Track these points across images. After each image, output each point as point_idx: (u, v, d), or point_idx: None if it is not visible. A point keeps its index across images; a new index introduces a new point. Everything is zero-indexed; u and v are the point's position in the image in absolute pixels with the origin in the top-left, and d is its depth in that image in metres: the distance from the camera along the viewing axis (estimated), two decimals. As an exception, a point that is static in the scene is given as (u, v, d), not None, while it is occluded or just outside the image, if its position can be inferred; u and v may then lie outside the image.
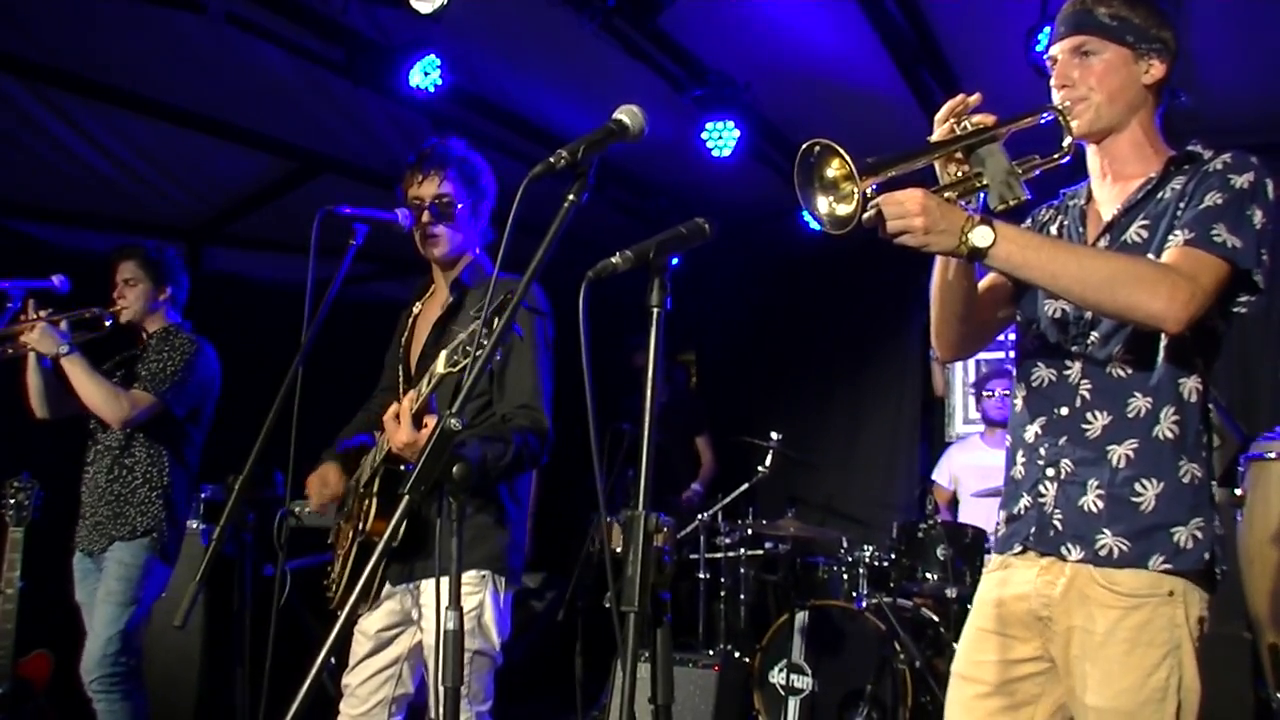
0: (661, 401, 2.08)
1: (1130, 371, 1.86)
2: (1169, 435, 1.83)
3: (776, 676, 4.43)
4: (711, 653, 4.62)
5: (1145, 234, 1.87)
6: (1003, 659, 1.93)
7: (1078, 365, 1.92)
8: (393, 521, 1.65)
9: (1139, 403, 1.85)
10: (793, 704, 4.35)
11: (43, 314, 3.49)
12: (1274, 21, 3.88)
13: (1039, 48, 3.67)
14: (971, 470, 5.07)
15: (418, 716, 2.71)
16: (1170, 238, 1.81)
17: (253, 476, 2.33)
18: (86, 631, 3.48)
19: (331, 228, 2.55)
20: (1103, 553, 1.82)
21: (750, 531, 5.01)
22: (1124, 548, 1.81)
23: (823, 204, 1.72)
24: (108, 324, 3.69)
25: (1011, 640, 1.93)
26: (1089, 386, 1.90)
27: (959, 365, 6.14)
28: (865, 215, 1.68)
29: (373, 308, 4.42)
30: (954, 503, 5.27)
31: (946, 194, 1.78)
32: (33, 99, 4.30)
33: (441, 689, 1.77)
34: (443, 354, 2.06)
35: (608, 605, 1.57)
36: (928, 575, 4.42)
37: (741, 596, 5.12)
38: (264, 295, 6.26)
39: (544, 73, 4.51)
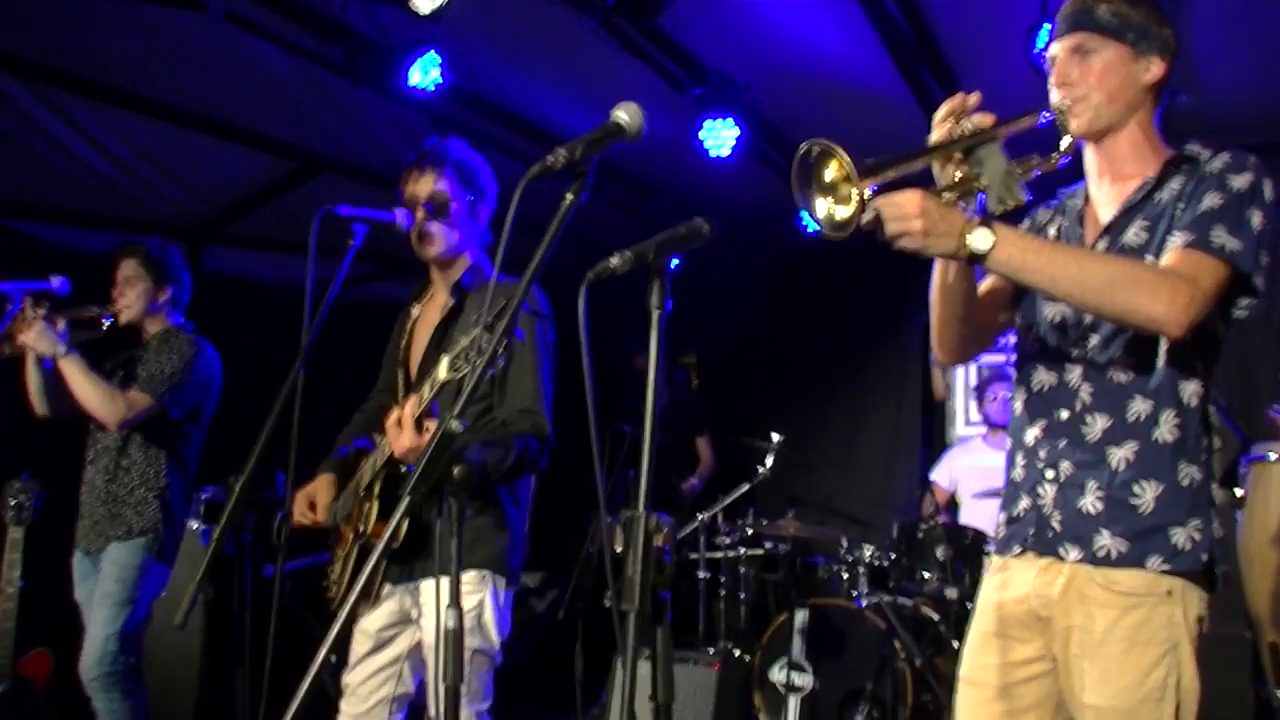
0: (662, 403, 2.08)
1: (1130, 375, 1.86)
2: (1169, 438, 1.83)
3: (777, 675, 4.43)
4: (712, 651, 4.62)
5: (1144, 235, 1.87)
6: (1003, 662, 1.93)
7: (1077, 369, 1.91)
8: (393, 520, 1.66)
9: (1139, 406, 1.84)
10: (793, 703, 4.35)
11: (40, 313, 3.49)
12: (1274, 21, 3.87)
13: (1038, 47, 3.67)
14: (973, 472, 5.08)
15: (418, 716, 2.71)
16: (1169, 240, 1.81)
17: (253, 477, 2.32)
18: (85, 630, 3.49)
19: (331, 228, 2.54)
20: (1101, 553, 1.82)
21: (750, 531, 5.01)
22: (1122, 548, 1.81)
23: (821, 206, 1.71)
24: (106, 324, 3.68)
25: (1012, 642, 1.93)
26: (1089, 390, 1.89)
27: (960, 369, 6.14)
28: (864, 218, 1.68)
29: (373, 308, 4.42)
30: (952, 503, 5.27)
31: (945, 195, 1.78)
32: (33, 99, 4.30)
33: (441, 688, 1.77)
34: (445, 360, 2.06)
35: (608, 605, 1.57)
36: (928, 575, 4.42)
37: (741, 596, 5.12)
38: (264, 295, 6.26)
39: (544, 72, 4.51)
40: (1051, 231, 2.07)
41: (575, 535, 5.40)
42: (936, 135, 1.83)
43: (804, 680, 4.36)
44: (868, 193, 1.66)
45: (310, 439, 2.63)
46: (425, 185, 2.69)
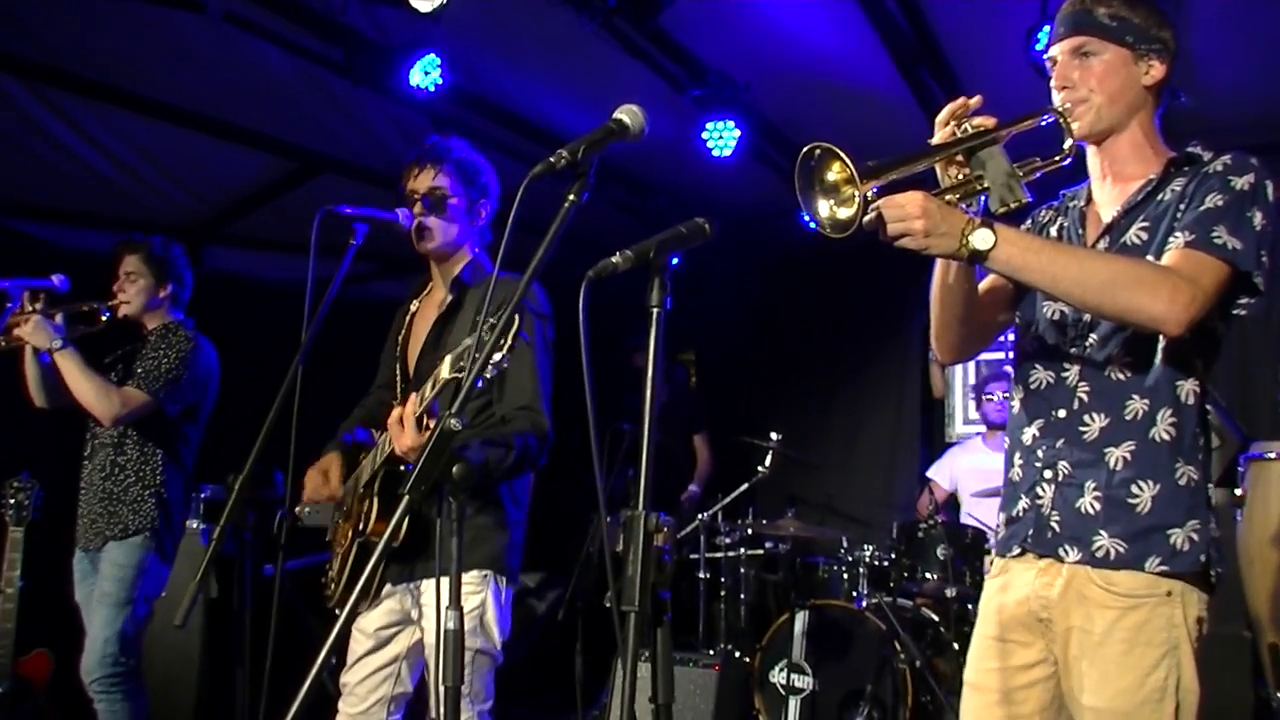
0: (662, 401, 2.08)
1: (1128, 374, 1.86)
2: (1166, 437, 1.83)
3: (777, 676, 4.43)
4: (712, 652, 4.62)
5: (1145, 236, 1.87)
6: (1004, 666, 1.94)
7: (1076, 367, 1.92)
8: (393, 520, 1.66)
9: (1136, 405, 1.85)
10: (793, 704, 4.35)
11: (37, 306, 3.49)
12: (1274, 21, 3.87)
13: (1039, 47, 3.67)
14: (972, 473, 5.08)
15: (418, 716, 2.71)
16: (1170, 239, 1.81)
17: (253, 476, 2.33)
18: (85, 631, 3.49)
19: (331, 227, 2.54)
20: (1099, 554, 1.82)
21: (750, 531, 5.01)
22: (1121, 549, 1.81)
23: (823, 207, 1.72)
24: (104, 318, 3.67)
25: (1013, 646, 1.94)
26: (1087, 389, 1.90)
27: (959, 367, 6.14)
28: (866, 218, 1.68)
29: (373, 308, 4.42)
30: (951, 503, 5.27)
31: (947, 197, 1.78)
32: (33, 99, 4.30)
33: (442, 689, 1.77)
34: (448, 359, 2.06)
35: (608, 605, 1.57)
36: (928, 575, 4.43)
37: (741, 596, 5.12)
38: (264, 295, 6.26)
39: (544, 73, 4.51)
40: (1053, 231, 2.07)
41: (575, 535, 5.39)
42: (938, 137, 1.84)
43: (804, 681, 4.36)
44: (870, 194, 1.66)
45: (310, 438, 2.63)
46: (424, 181, 2.71)
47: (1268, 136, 4.35)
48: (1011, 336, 2.11)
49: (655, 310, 1.66)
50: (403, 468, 2.44)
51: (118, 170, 4.95)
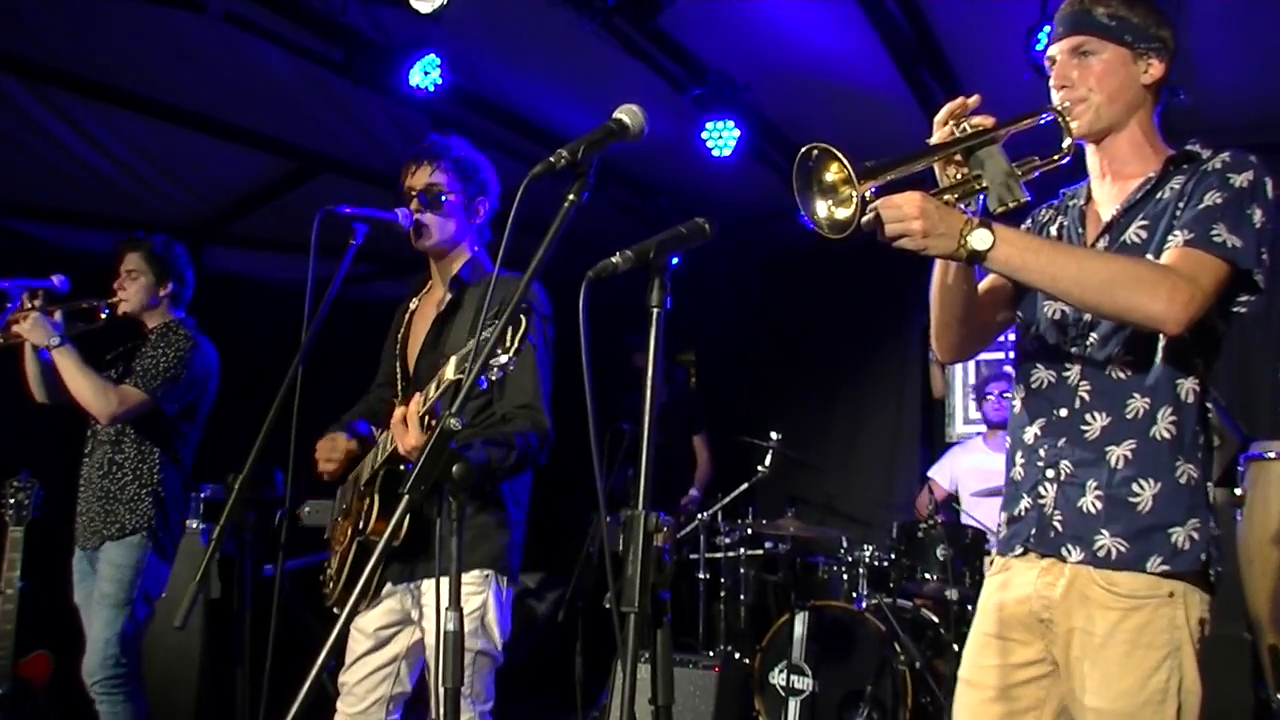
0: (661, 401, 2.08)
1: (1129, 373, 1.86)
2: (1166, 435, 1.83)
3: (777, 677, 4.43)
4: (711, 653, 4.62)
5: (1144, 234, 1.87)
6: (1003, 663, 1.93)
7: (1077, 367, 1.92)
8: (393, 520, 1.65)
9: (1137, 403, 1.85)
10: (793, 705, 4.35)
11: (36, 303, 3.49)
12: (1274, 21, 3.87)
13: (1039, 47, 3.67)
14: (973, 473, 5.08)
15: (418, 716, 2.71)
16: (1170, 238, 1.81)
17: (253, 475, 2.32)
18: (85, 632, 3.48)
19: (331, 227, 2.55)
20: (1101, 553, 1.82)
21: (750, 531, 5.01)
22: (1122, 548, 1.81)
23: (821, 208, 1.72)
24: (104, 316, 3.67)
25: (1012, 644, 1.93)
26: (1088, 388, 1.90)
27: (959, 367, 6.14)
28: (864, 219, 1.68)
29: (373, 308, 4.41)
30: (950, 502, 5.27)
31: (946, 196, 1.78)
32: (33, 99, 4.30)
33: (442, 689, 1.77)
34: (453, 360, 2.06)
35: (608, 605, 1.57)
36: (928, 575, 4.42)
37: (741, 596, 5.12)
38: (264, 295, 6.26)
39: (544, 73, 4.51)
40: (1053, 230, 2.08)
41: (575, 535, 5.39)
42: (937, 137, 1.84)
43: (804, 682, 4.36)
44: (868, 194, 1.66)
45: (310, 438, 2.63)
46: (421, 177, 2.72)
47: (1267, 136, 4.35)
48: (1012, 336, 2.12)
49: (655, 310, 1.66)
50: (403, 467, 2.44)
51: (118, 170, 4.95)
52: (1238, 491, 3.72)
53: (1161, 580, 1.79)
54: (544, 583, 5.72)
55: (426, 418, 2.26)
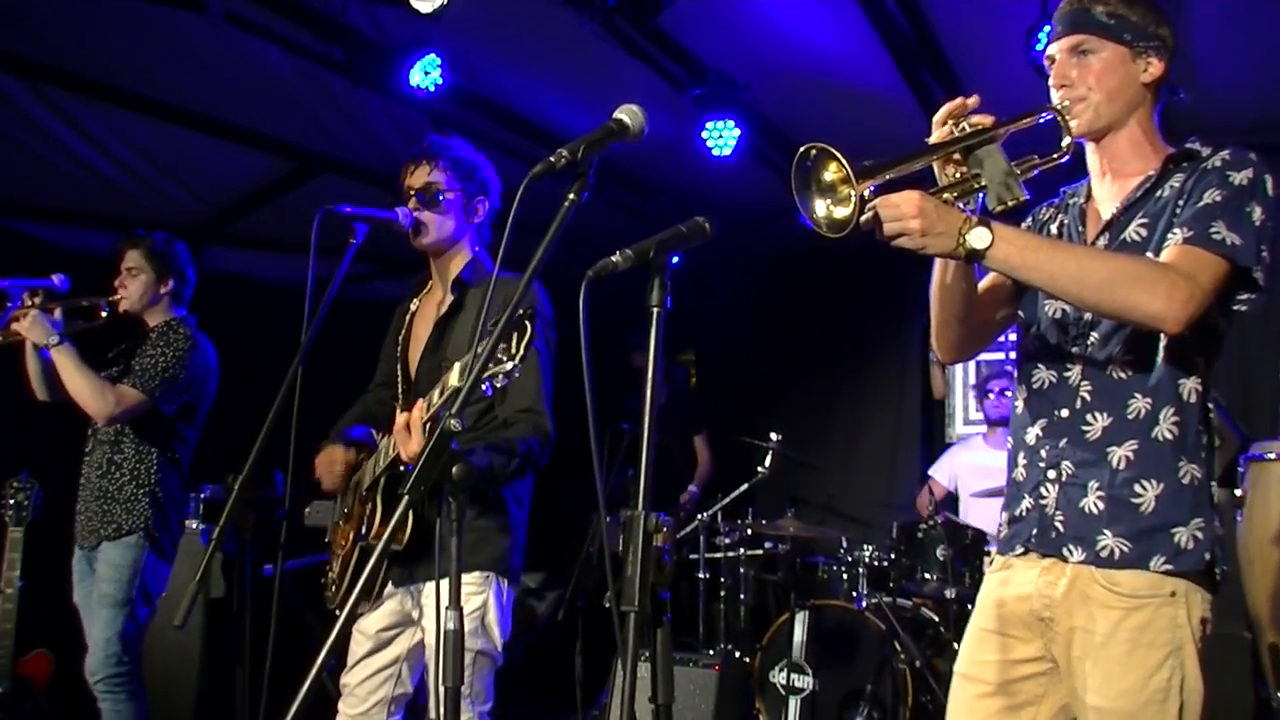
0: (661, 401, 2.08)
1: (1130, 372, 1.86)
2: (1168, 436, 1.82)
3: (777, 676, 4.43)
4: (711, 652, 4.62)
5: (1144, 232, 1.87)
6: (1003, 659, 1.93)
7: (1078, 367, 1.92)
8: (393, 521, 1.65)
9: (1139, 404, 1.84)
10: (793, 704, 4.35)
11: (36, 302, 3.48)
12: (1274, 21, 3.87)
13: (1039, 47, 3.67)
14: (973, 471, 5.08)
15: (418, 716, 2.71)
16: (1169, 236, 1.81)
17: (252, 476, 2.32)
18: (84, 632, 3.48)
19: (331, 227, 2.55)
20: (1103, 554, 1.82)
21: (750, 531, 5.01)
22: (1124, 548, 1.81)
23: (820, 207, 1.72)
24: (104, 314, 3.66)
25: (1012, 640, 1.93)
26: (1089, 388, 1.89)
27: (959, 366, 6.14)
28: (862, 218, 1.68)
29: (373, 307, 4.41)
30: (949, 501, 5.27)
31: (945, 195, 1.78)
32: (33, 99, 4.30)
33: (442, 689, 1.77)
34: (456, 366, 2.06)
35: (608, 605, 1.57)
36: (928, 575, 4.42)
37: (741, 596, 5.12)
38: (264, 295, 6.26)
39: (544, 72, 4.51)
40: (1053, 228, 2.07)
41: (575, 535, 5.39)
42: (936, 136, 1.84)
43: (804, 681, 4.36)
44: (866, 193, 1.66)
45: (310, 438, 2.63)
46: (420, 176, 2.72)
47: (1267, 136, 4.34)
48: (1013, 336, 2.11)
49: (655, 310, 1.66)
50: (402, 469, 2.44)
51: (118, 170, 4.95)
52: (1238, 492, 3.72)
53: (1163, 579, 1.79)
54: (544, 583, 5.72)
55: (429, 424, 2.26)
